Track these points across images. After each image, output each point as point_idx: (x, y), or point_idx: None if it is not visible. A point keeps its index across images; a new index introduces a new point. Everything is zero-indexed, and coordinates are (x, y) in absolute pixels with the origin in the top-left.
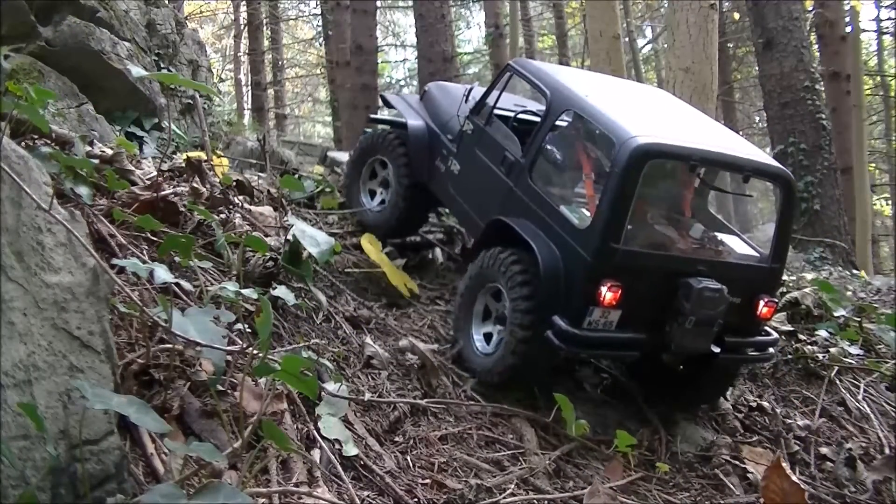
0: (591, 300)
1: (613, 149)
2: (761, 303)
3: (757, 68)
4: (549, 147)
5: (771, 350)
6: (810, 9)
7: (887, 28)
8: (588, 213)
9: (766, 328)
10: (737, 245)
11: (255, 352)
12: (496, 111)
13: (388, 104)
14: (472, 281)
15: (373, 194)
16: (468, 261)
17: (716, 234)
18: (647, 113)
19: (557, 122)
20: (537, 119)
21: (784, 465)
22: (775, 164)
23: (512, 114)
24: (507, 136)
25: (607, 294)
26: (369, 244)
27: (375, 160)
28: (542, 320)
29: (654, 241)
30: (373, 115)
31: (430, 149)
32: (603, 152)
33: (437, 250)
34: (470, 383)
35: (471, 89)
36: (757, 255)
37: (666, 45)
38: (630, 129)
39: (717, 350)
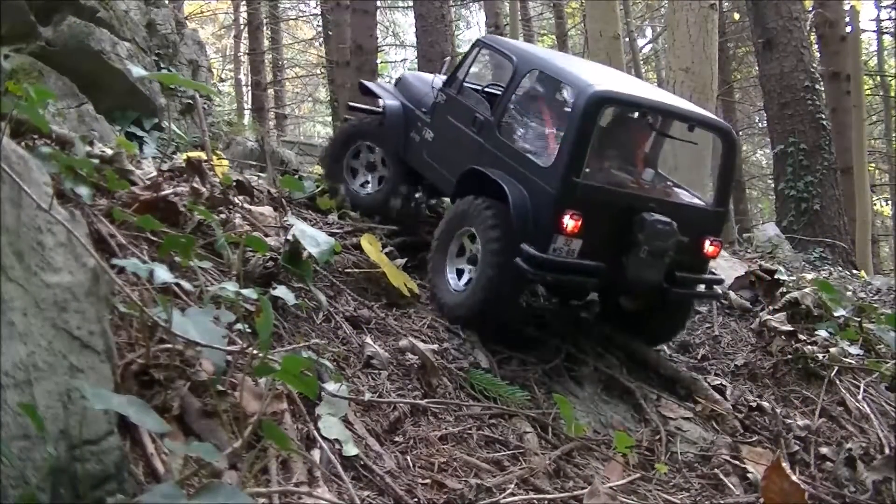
0: (555, 229)
1: (573, 96)
2: (707, 242)
3: (757, 68)
4: (515, 105)
5: (718, 288)
6: (810, 9)
7: (887, 28)
8: (552, 158)
9: (714, 270)
10: (684, 193)
11: (255, 352)
12: (469, 86)
13: (366, 91)
14: (448, 225)
15: (355, 175)
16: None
17: (665, 181)
18: (604, 73)
19: (523, 82)
20: (497, 90)
21: (784, 465)
22: (717, 118)
23: (481, 86)
24: (479, 102)
25: (569, 222)
26: (369, 244)
27: (362, 145)
28: (510, 259)
29: (610, 180)
30: (351, 104)
31: (406, 125)
32: (564, 103)
33: None
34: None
35: (445, 63)
36: (702, 202)
37: (666, 45)
38: (588, 80)
39: (668, 286)
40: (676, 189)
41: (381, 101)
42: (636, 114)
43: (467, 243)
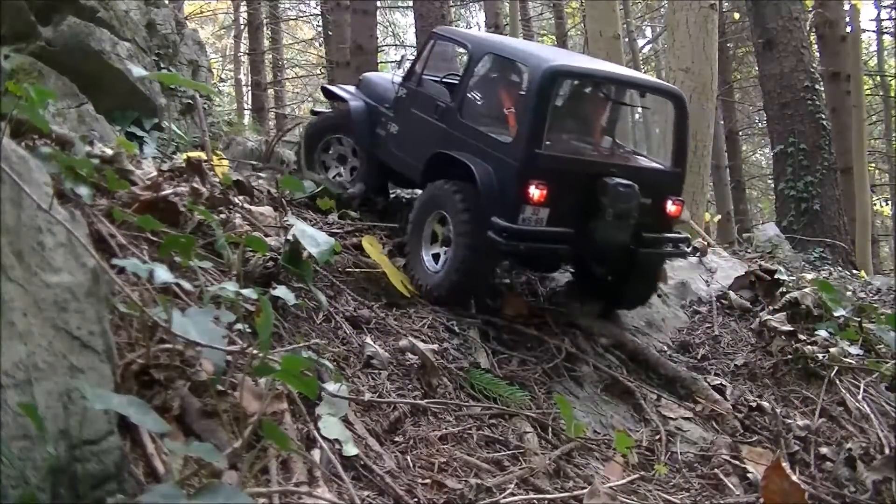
0: (522, 199)
1: (529, 73)
2: (669, 202)
3: (757, 68)
4: (474, 88)
5: (683, 246)
6: (810, 9)
7: (887, 28)
8: (513, 133)
9: (678, 229)
10: (642, 158)
11: (255, 352)
12: (428, 78)
13: (329, 95)
14: (420, 210)
15: (327, 168)
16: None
17: (623, 147)
18: (556, 52)
19: (479, 66)
20: (455, 79)
21: (784, 465)
22: (667, 84)
23: (439, 77)
24: (439, 91)
25: (535, 192)
26: (370, 245)
27: (332, 138)
28: (482, 238)
29: (570, 149)
30: (315, 109)
31: (371, 122)
32: (520, 81)
33: None
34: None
35: (402, 60)
36: (661, 164)
37: (666, 45)
38: (542, 57)
39: (635, 247)
40: (635, 154)
41: (349, 102)
42: (591, 86)
43: (438, 227)
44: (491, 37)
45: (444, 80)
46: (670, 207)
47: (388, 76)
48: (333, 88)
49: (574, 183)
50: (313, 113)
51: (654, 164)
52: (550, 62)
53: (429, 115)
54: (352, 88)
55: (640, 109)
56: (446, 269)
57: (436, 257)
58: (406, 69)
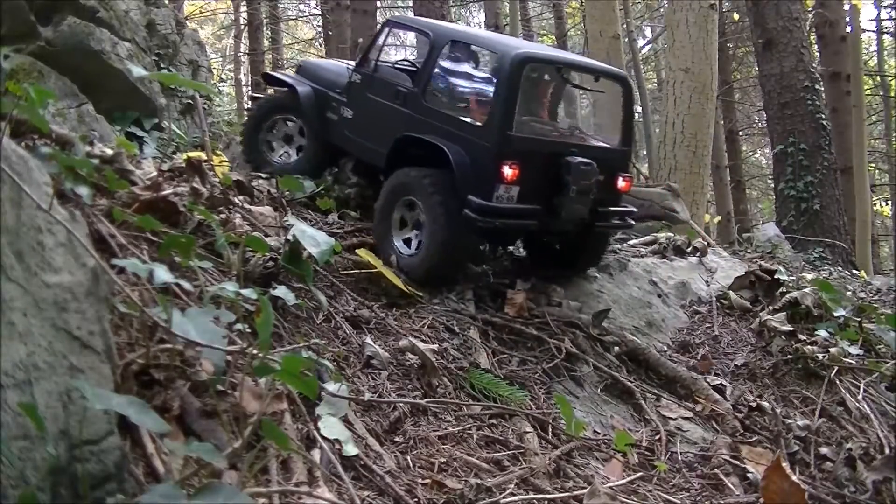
0: (496, 178)
1: (498, 60)
2: (620, 179)
3: (757, 68)
4: (438, 74)
5: (629, 219)
6: (810, 9)
7: (887, 28)
8: (484, 116)
9: (626, 203)
10: (594, 137)
11: (255, 352)
12: (382, 64)
13: (271, 80)
14: (387, 198)
15: (272, 149)
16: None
17: (576, 126)
18: (514, 40)
19: (442, 53)
20: (411, 65)
21: (784, 465)
22: (615, 68)
23: (391, 63)
24: (397, 76)
25: (508, 171)
26: (366, 255)
27: (277, 119)
28: (456, 219)
29: (536, 130)
30: (254, 94)
31: (319, 106)
32: (487, 67)
33: None
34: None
35: (357, 44)
36: (611, 144)
37: (666, 45)
38: (509, 45)
39: (591, 220)
40: (588, 135)
41: (297, 87)
42: (552, 71)
43: (406, 213)
44: (448, 25)
45: (400, 66)
46: (620, 183)
47: (327, 63)
48: (276, 74)
49: (540, 162)
50: (253, 99)
51: (606, 144)
52: (519, 50)
53: (389, 100)
54: (292, 73)
55: (589, 93)
56: (424, 251)
57: (407, 242)
58: (360, 56)
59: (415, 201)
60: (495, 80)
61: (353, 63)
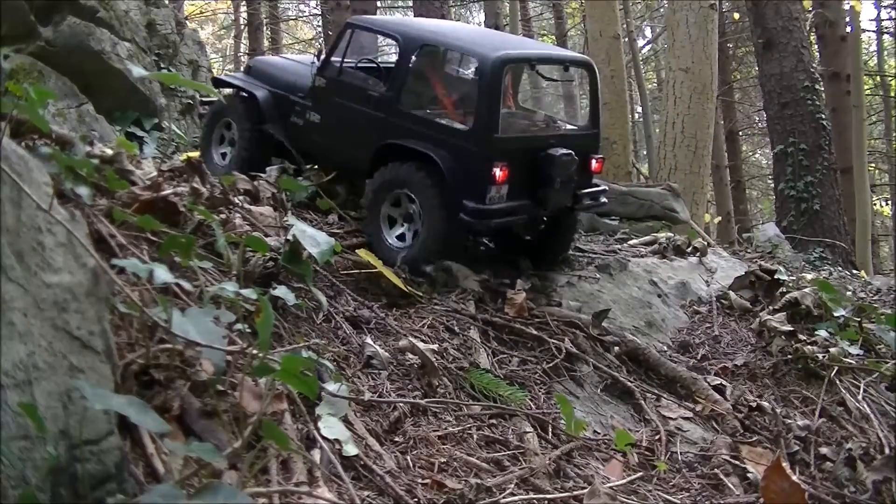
0: (488, 181)
1: (478, 63)
2: (592, 160)
3: (757, 68)
4: (411, 78)
5: (603, 199)
6: (810, 9)
7: (887, 28)
8: (469, 121)
9: (596, 182)
10: (565, 124)
11: (255, 352)
12: (348, 67)
13: (221, 84)
14: (377, 193)
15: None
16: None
17: (549, 116)
18: (482, 35)
19: (413, 57)
20: (374, 65)
21: (784, 465)
22: (580, 55)
23: (354, 65)
24: (365, 80)
25: (499, 173)
26: (366, 255)
27: (223, 121)
28: (451, 210)
29: (518, 127)
30: (203, 99)
31: (279, 109)
32: (464, 70)
33: None
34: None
35: (319, 53)
36: (581, 127)
37: (666, 45)
38: (486, 48)
39: (571, 205)
40: (559, 122)
41: (255, 92)
42: (529, 67)
43: (394, 209)
44: (418, 25)
45: (366, 69)
46: (593, 164)
47: (281, 60)
48: (226, 77)
49: (524, 158)
50: (203, 104)
51: (576, 128)
52: (499, 52)
53: (359, 104)
54: (242, 75)
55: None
56: (420, 243)
57: (400, 237)
58: (322, 59)
59: (402, 196)
60: (477, 84)
61: (304, 59)
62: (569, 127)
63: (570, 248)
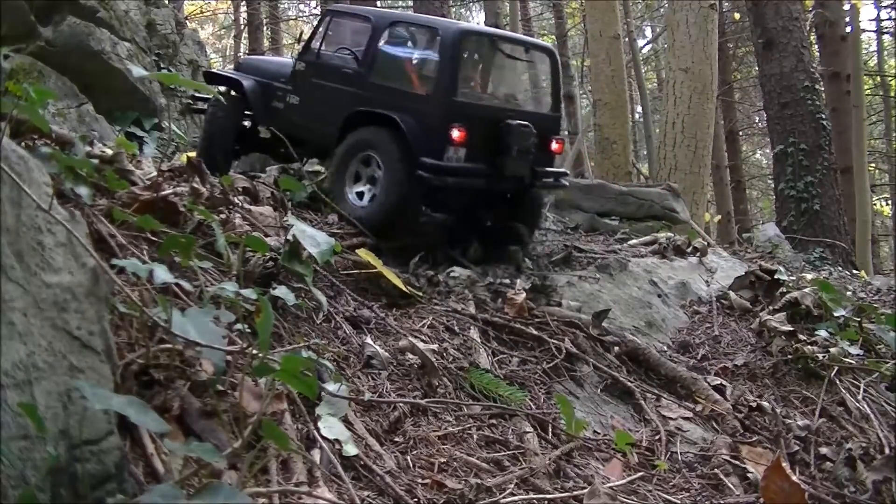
0: (445, 141)
1: (441, 35)
2: (553, 141)
3: (757, 68)
4: (381, 54)
5: (564, 182)
6: (810, 9)
7: (887, 28)
8: (430, 86)
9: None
10: (528, 104)
11: (255, 352)
12: (325, 51)
13: (213, 78)
14: (345, 154)
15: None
16: (465, 256)
17: (511, 95)
18: (448, 19)
19: (383, 35)
20: (349, 50)
21: (784, 465)
22: (542, 42)
23: (332, 51)
24: (341, 59)
25: (456, 133)
26: (366, 255)
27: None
28: (412, 170)
29: (477, 97)
30: (196, 95)
31: (265, 96)
32: (427, 43)
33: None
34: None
35: (300, 35)
36: (543, 110)
37: (666, 45)
38: (448, 23)
39: (531, 179)
40: (523, 102)
41: (242, 81)
42: (488, 44)
43: (362, 168)
44: (385, 10)
45: (342, 51)
46: (553, 145)
47: (272, 57)
48: (217, 72)
49: (483, 126)
50: (195, 99)
51: (539, 110)
52: (459, 25)
53: (335, 82)
54: (232, 71)
55: (524, 67)
56: (378, 200)
57: (360, 195)
58: (303, 45)
59: (371, 157)
60: (438, 53)
61: (290, 59)
62: (530, 106)
63: (534, 233)
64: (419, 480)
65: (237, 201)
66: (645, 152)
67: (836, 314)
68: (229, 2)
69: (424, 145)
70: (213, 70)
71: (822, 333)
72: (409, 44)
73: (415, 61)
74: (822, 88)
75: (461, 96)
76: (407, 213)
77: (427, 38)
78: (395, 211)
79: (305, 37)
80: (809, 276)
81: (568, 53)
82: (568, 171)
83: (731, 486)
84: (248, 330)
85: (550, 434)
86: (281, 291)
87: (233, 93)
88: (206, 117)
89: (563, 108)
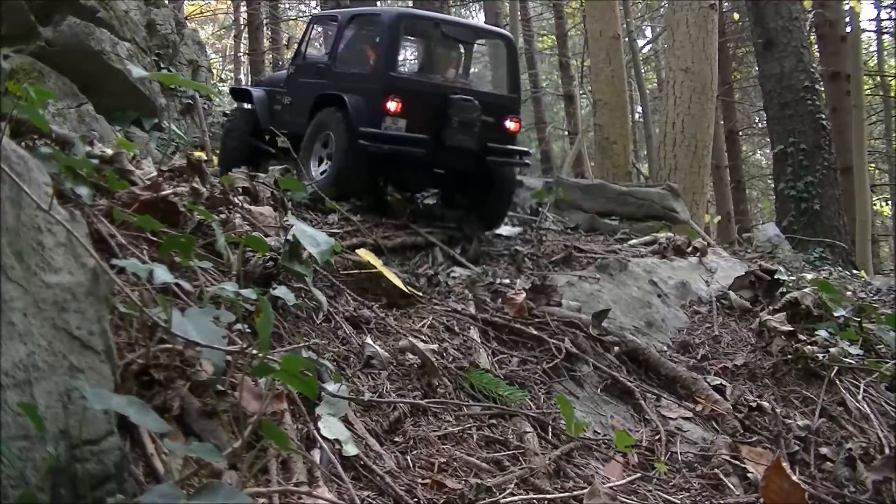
0: (382, 112)
1: (382, 19)
2: (507, 120)
3: (757, 68)
4: (344, 46)
5: (526, 160)
6: (810, 9)
7: (887, 28)
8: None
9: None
10: (484, 87)
11: (254, 352)
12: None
13: (237, 93)
14: (310, 135)
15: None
16: (465, 256)
17: (463, 77)
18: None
19: (346, 30)
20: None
21: (784, 465)
22: (498, 29)
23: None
24: (320, 59)
25: (391, 105)
26: (366, 255)
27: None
28: (356, 143)
29: (421, 76)
30: (233, 87)
31: (269, 102)
32: (373, 30)
33: (437, 250)
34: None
35: (288, 42)
36: (500, 91)
37: (666, 45)
38: (390, 9)
39: (483, 154)
40: (477, 84)
41: (251, 90)
42: (431, 29)
43: (322, 150)
44: (354, 8)
45: (322, 49)
46: (509, 124)
47: (282, 72)
48: (240, 88)
49: (425, 101)
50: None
51: (494, 91)
52: (398, 10)
53: (312, 77)
54: (248, 86)
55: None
56: (331, 170)
57: (323, 173)
58: (294, 51)
59: (328, 137)
60: (379, 35)
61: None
62: (485, 88)
63: (505, 212)
64: (419, 480)
65: (237, 201)
66: (645, 152)
67: (836, 314)
68: (229, 2)
69: (365, 117)
70: (237, 86)
71: (822, 333)
72: (364, 33)
73: (363, 46)
74: (822, 88)
75: (398, 72)
76: (352, 181)
77: (374, 25)
78: (343, 178)
79: (295, 43)
80: (809, 276)
81: (568, 53)
82: (529, 151)
83: (731, 486)
84: (248, 330)
85: (550, 434)
86: (281, 291)
87: (246, 105)
88: (223, 131)
89: (521, 90)
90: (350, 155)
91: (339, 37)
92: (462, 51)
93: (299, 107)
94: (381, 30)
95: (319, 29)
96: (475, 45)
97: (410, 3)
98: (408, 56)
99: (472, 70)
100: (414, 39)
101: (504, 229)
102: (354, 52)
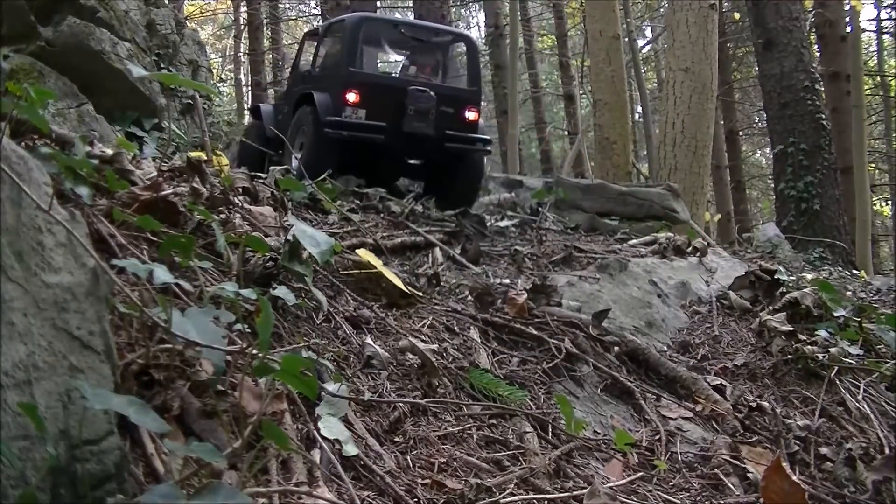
0: (343, 102)
1: (346, 21)
2: (467, 111)
3: (757, 68)
4: (323, 53)
5: (487, 148)
6: (810, 9)
7: (887, 28)
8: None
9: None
10: (445, 82)
11: (254, 352)
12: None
13: (256, 113)
14: (292, 130)
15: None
16: (465, 256)
17: (423, 73)
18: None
19: (325, 38)
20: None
21: (784, 465)
22: (458, 30)
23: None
24: (306, 68)
25: (350, 96)
26: (367, 255)
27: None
28: (321, 133)
29: (381, 71)
30: (252, 105)
31: (275, 113)
32: (340, 34)
33: (437, 250)
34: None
35: (283, 55)
36: (458, 84)
37: (666, 45)
38: (354, 14)
39: (443, 141)
40: (438, 80)
41: (259, 105)
42: (392, 30)
43: (301, 141)
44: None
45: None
46: (468, 114)
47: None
48: (257, 106)
49: (384, 94)
50: (250, 111)
51: (455, 85)
52: (361, 15)
53: (300, 85)
54: (270, 103)
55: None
56: (303, 155)
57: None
58: (291, 66)
59: (304, 131)
60: (342, 37)
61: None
62: (445, 83)
63: (474, 196)
64: (419, 480)
65: (237, 201)
66: (645, 152)
67: (836, 314)
68: (229, 2)
69: (329, 109)
70: (252, 105)
71: (822, 333)
72: (335, 38)
73: (335, 50)
74: (822, 88)
75: (358, 67)
76: (320, 165)
77: (341, 29)
78: (311, 164)
79: (291, 59)
80: (809, 276)
81: (568, 53)
82: (490, 139)
83: (731, 486)
84: (248, 330)
85: (550, 434)
86: (281, 291)
87: (257, 121)
88: (238, 144)
89: (482, 84)
90: (316, 142)
91: (319, 45)
92: (426, 50)
93: (291, 112)
94: (344, 33)
95: (311, 43)
96: (451, 47)
97: (410, 5)
98: (373, 55)
99: (447, 67)
100: (377, 40)
101: (503, 222)
102: (327, 57)
